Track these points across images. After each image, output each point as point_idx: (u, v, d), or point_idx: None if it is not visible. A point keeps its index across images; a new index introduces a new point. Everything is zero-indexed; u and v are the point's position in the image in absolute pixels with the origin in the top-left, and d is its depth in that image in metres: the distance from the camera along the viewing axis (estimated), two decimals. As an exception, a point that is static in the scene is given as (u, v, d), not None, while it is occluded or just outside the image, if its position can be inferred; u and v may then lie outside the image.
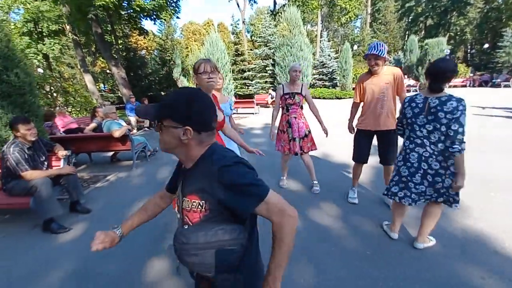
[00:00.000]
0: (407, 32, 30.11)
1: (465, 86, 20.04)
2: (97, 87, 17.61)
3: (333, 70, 19.73)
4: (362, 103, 2.76)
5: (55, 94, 10.02)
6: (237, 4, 27.46)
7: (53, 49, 15.88)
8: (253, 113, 12.36)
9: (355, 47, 27.70)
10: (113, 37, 14.95)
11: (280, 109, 3.25)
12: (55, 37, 15.99)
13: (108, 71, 21.49)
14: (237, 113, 12.62)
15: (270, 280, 0.85)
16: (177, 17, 13.74)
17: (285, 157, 3.38)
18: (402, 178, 2.00)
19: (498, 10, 29.19)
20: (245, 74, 18.72)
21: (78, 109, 10.08)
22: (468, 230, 2.31)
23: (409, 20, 31.85)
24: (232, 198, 0.77)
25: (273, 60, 16.34)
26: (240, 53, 20.47)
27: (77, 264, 2.14)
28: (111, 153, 5.36)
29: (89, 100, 10.89)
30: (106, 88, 23.27)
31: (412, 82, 17.64)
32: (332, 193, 3.19)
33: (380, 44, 2.46)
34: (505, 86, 15.43)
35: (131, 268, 2.07)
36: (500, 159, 3.93)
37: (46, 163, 2.96)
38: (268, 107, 14.29)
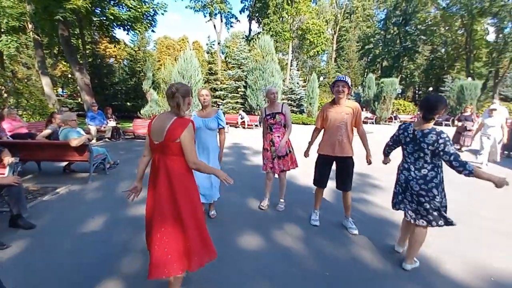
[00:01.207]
0: (366, 70, 33.45)
1: (412, 122, 22.56)
2: (55, 91, 16.27)
3: (301, 97, 20.86)
4: (322, 130, 2.99)
5: (5, 95, 9.03)
6: (214, 26, 28.26)
7: (9, 47, 14.51)
8: (222, 132, 12.37)
9: (321, 78, 29.84)
10: (80, 42, 14.20)
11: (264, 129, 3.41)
12: (14, 34, 14.69)
13: (69, 75, 20.11)
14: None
15: None
16: (152, 31, 13.61)
17: (269, 175, 3.41)
18: (395, 192, 2.33)
19: (441, 60, 34.11)
20: (217, 93, 18.90)
21: (31, 113, 9.15)
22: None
23: (368, 60, 35.56)
24: None
25: (245, 82, 16.84)
26: (213, 72, 20.76)
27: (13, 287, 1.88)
28: (64, 163, 4.93)
29: (44, 105, 9.98)
30: (64, 93, 21.59)
31: (369, 115, 19.32)
32: (295, 215, 3.29)
33: (347, 76, 2.81)
34: (446, 124, 17.70)
35: (79, 291, 1.88)
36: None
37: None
38: (238, 127, 14.47)
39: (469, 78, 21.14)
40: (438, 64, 34.31)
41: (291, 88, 21.60)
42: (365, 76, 23.54)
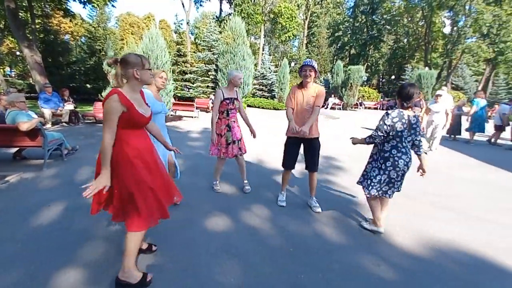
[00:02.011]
0: (335, 57, 34.32)
1: (376, 108, 23.92)
2: (1, 70, 14.36)
3: (272, 82, 20.89)
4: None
5: None
6: (182, 4, 26.69)
7: None
8: (192, 117, 12.07)
9: (292, 64, 30.04)
10: (29, 15, 12.56)
11: (218, 113, 3.32)
12: None
13: (18, 53, 17.85)
14: (175, 115, 12.13)
15: None
16: (113, 6, 12.49)
17: (221, 161, 3.46)
18: (391, 179, 2.45)
19: (403, 49, 36.08)
20: (187, 76, 18.19)
21: (-30, 94, 8.05)
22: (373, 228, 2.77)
23: (337, 47, 36.42)
24: None
25: (216, 65, 16.37)
26: (182, 54, 19.81)
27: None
28: (14, 150, 4.49)
29: (-14, 85, 8.81)
30: (12, 73, 19.22)
31: (337, 101, 20.08)
32: (262, 197, 3.39)
33: (313, 60, 2.87)
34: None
35: None
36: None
37: None
38: (209, 111, 14.18)
39: (427, 68, 22.72)
40: (400, 53, 36.31)
41: (262, 73, 21.50)
42: (334, 63, 24.14)
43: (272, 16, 31.84)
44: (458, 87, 27.64)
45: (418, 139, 2.41)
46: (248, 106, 17.84)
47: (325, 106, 19.92)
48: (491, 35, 24.03)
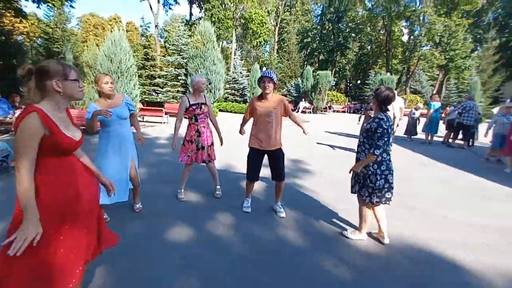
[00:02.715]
0: (305, 63, 35.44)
1: (344, 112, 25.07)
2: None
3: (244, 86, 21.01)
4: (252, 119, 3.07)
5: None
6: (150, 7, 25.96)
7: None
8: (161, 122, 11.69)
9: (264, 68, 30.51)
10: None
11: (188, 119, 3.27)
12: None
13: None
14: (143, 121, 11.68)
15: None
16: (71, 6, 11.75)
17: (189, 166, 3.39)
18: (391, 184, 2.41)
19: (367, 56, 38.31)
20: (155, 81, 17.63)
21: None
22: (332, 228, 2.86)
23: (307, 53, 37.67)
24: None
25: (186, 70, 16.08)
26: (150, 57, 19.19)
27: None
28: None
29: None
30: (-48, 76, 17.15)
31: (307, 105, 20.71)
32: (228, 203, 3.35)
33: (272, 71, 2.90)
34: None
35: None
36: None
37: None
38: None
39: (388, 73, 24.31)
40: (365, 59, 38.54)
41: (234, 78, 21.54)
42: (304, 68, 24.93)
43: (243, 21, 32.13)
44: (416, 91, 29.89)
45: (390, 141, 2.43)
46: (220, 110, 17.73)
47: (296, 110, 20.43)
48: (443, 44, 26.41)
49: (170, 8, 28.09)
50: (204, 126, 3.27)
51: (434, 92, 28.14)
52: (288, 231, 2.73)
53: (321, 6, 35.49)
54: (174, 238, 2.51)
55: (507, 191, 4.38)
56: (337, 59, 36.23)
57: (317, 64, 35.79)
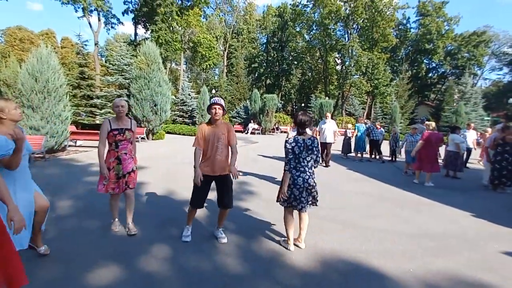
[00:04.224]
0: (253, 86, 37.04)
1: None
2: None
3: (192, 109, 20.78)
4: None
5: None
6: (89, 24, 24.37)
7: None
8: (97, 147, 10.61)
9: (213, 91, 30.83)
10: None
11: (108, 145, 3.03)
12: None
13: None
14: (76, 146, 10.47)
15: None
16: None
17: (115, 196, 3.13)
18: (296, 196, 2.74)
19: (308, 81, 41.98)
20: (93, 102, 16.21)
21: None
22: (272, 248, 2.90)
23: (255, 77, 39.57)
24: None
25: (129, 90, 15.23)
26: (87, 76, 17.70)
27: None
28: None
29: None
30: None
31: (256, 126, 21.42)
32: (166, 233, 3.16)
33: (220, 99, 2.96)
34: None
35: None
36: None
37: None
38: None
39: (326, 98, 26.96)
40: (307, 85, 42.16)
41: (182, 100, 21.21)
42: (252, 91, 25.98)
43: (192, 44, 32.44)
44: (350, 114, 33.64)
45: (317, 157, 2.84)
46: (168, 132, 17.05)
47: (246, 132, 20.87)
48: (368, 73, 30.67)
49: (112, 27, 26.75)
50: (125, 153, 3.04)
51: (365, 114, 32.08)
52: (227, 259, 2.68)
53: (266, 36, 38.23)
54: (95, 283, 2.22)
55: (418, 199, 5.11)
56: (283, 83, 38.83)
57: (264, 88, 37.69)
